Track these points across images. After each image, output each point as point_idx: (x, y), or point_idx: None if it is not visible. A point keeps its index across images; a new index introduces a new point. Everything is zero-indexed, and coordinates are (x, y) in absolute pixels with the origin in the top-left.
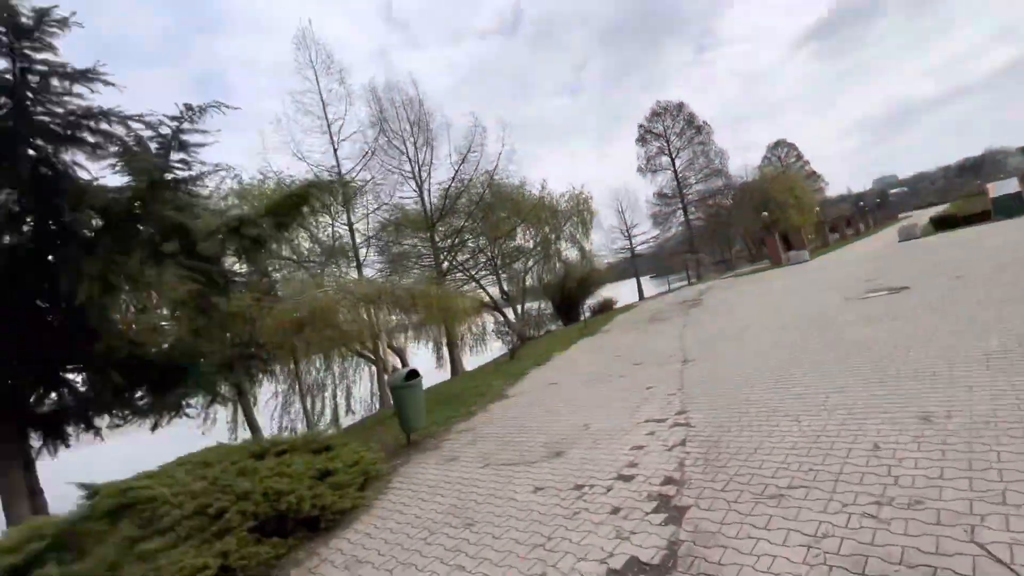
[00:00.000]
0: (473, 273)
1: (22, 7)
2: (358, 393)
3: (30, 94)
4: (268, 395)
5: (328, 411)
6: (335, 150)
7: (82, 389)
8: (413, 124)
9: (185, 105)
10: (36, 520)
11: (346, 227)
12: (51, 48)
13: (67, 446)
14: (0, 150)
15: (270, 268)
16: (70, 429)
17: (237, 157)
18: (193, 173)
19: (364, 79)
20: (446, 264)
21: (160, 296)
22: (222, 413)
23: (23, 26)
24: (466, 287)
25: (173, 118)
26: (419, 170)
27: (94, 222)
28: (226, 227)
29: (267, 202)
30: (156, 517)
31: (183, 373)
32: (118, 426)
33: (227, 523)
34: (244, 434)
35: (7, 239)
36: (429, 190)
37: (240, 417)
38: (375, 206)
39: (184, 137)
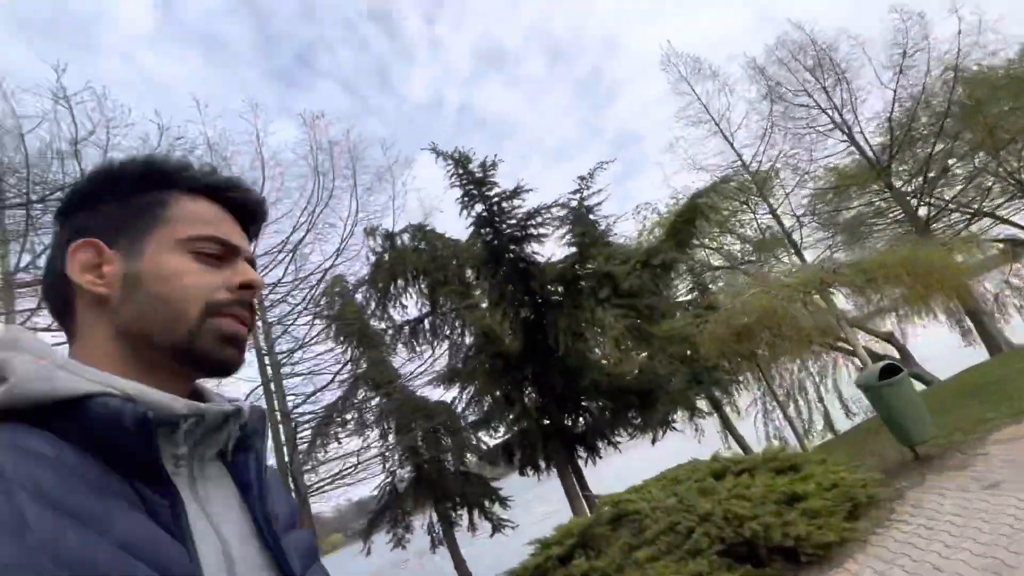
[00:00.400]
0: (979, 206)
1: (474, 167)
2: (848, 392)
3: (497, 219)
4: (748, 402)
5: (817, 416)
6: (731, 144)
7: (598, 413)
8: (813, 69)
9: (579, 177)
10: (571, 522)
11: (769, 215)
12: (496, 184)
13: (600, 457)
14: (495, 262)
15: (707, 282)
16: (599, 444)
17: (652, 193)
18: (601, 227)
19: (740, 58)
20: (924, 209)
21: (604, 335)
22: (711, 425)
23: (479, 178)
24: (971, 228)
25: (574, 192)
26: (839, 115)
27: (559, 290)
28: (638, 262)
29: (664, 228)
30: (641, 528)
31: (654, 393)
32: (618, 442)
33: (696, 543)
34: (734, 445)
35: (523, 314)
36: (861, 131)
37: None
38: (795, 180)
39: (587, 202)
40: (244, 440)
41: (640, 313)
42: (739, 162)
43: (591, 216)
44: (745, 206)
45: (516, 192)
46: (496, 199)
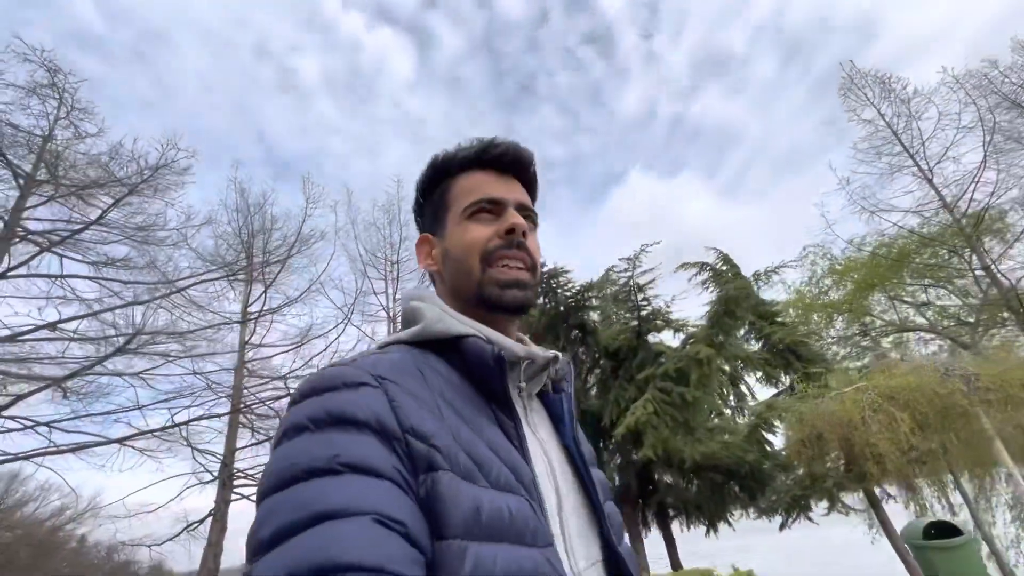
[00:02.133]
0: None
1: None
2: None
3: (554, 290)
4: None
5: None
6: (929, 180)
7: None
8: None
9: (626, 259)
10: None
11: (996, 267)
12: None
13: (715, 530)
14: (557, 327)
15: (887, 345)
16: (688, 517)
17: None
18: (654, 306)
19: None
20: None
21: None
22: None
23: None
24: None
25: (622, 270)
26: None
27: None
28: (676, 355)
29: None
30: None
31: (744, 476)
32: (712, 521)
33: None
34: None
35: (598, 377)
36: None
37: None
38: None
39: (636, 280)
40: (556, 383)
41: (673, 400)
42: (940, 202)
43: (641, 293)
44: (956, 254)
45: (556, 272)
46: (546, 276)
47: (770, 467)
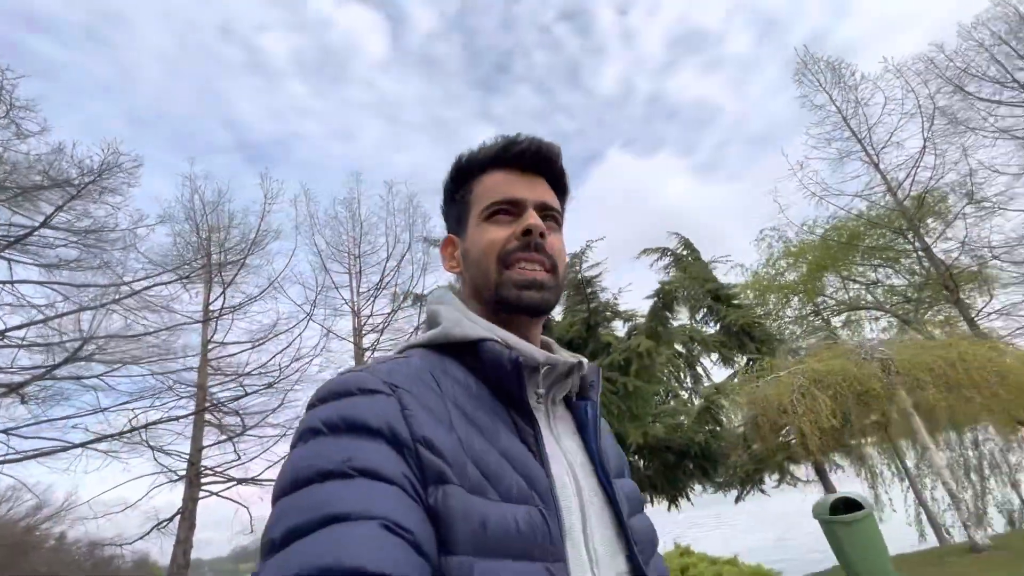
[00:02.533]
0: None
1: None
2: None
3: None
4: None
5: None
6: (875, 165)
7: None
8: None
9: (572, 255)
10: None
11: (944, 249)
12: None
13: (675, 506)
14: None
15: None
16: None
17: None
18: (602, 299)
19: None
20: None
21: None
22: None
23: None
24: None
25: (572, 266)
26: None
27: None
28: (621, 347)
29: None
30: None
31: (693, 456)
32: (673, 497)
33: None
34: None
35: None
36: None
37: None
38: (963, 206)
39: (585, 275)
40: (583, 390)
41: (617, 390)
42: (886, 185)
43: (590, 288)
44: (900, 237)
45: None
46: None
47: (719, 446)
